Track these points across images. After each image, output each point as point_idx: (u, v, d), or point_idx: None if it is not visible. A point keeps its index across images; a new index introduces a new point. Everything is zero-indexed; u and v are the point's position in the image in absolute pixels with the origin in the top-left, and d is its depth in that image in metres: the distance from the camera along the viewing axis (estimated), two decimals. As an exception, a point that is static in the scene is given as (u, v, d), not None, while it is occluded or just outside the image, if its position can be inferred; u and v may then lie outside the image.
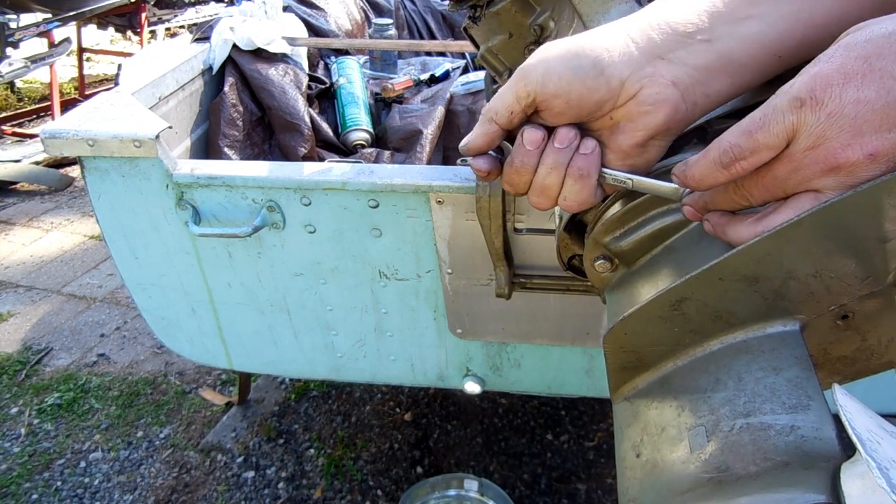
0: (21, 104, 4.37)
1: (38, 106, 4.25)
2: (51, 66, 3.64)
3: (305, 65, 1.99)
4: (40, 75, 4.37)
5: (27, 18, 3.54)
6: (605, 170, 0.47)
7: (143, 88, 1.42)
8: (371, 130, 1.89)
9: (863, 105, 0.33)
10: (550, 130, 0.47)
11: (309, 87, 1.94)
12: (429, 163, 1.79)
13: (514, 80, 0.47)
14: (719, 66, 0.43)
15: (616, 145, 0.46)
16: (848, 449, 0.31)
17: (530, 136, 0.47)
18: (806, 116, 0.34)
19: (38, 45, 3.84)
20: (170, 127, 1.19)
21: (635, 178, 0.46)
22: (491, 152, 0.51)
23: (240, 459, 1.86)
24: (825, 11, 0.41)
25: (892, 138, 0.33)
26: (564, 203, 0.49)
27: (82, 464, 1.85)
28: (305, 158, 1.75)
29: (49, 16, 3.55)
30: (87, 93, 4.20)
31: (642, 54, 0.43)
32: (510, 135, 0.49)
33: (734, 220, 0.41)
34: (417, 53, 2.35)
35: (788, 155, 0.36)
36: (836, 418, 0.33)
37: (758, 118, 0.37)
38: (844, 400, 0.30)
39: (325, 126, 1.87)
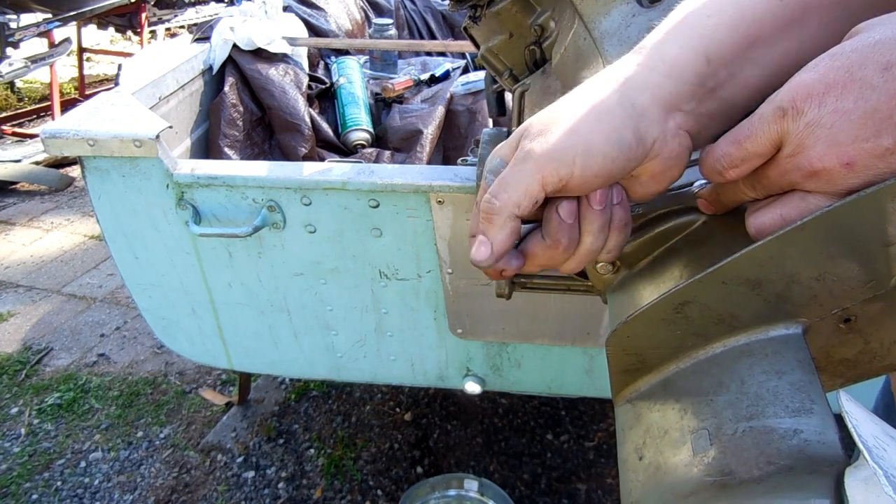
0: (21, 104, 4.37)
1: (38, 106, 4.25)
2: (51, 66, 3.64)
3: (305, 65, 1.98)
4: (40, 75, 4.37)
5: (27, 18, 3.54)
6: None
7: (143, 88, 1.42)
8: (371, 130, 1.89)
9: (840, 115, 0.33)
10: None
11: (309, 87, 1.94)
12: (429, 163, 1.79)
13: (535, 165, 0.40)
14: (722, 113, 0.42)
15: (632, 193, 0.44)
16: (851, 453, 0.30)
17: (568, 209, 0.42)
18: (788, 125, 0.35)
19: (38, 45, 3.84)
20: (170, 127, 1.19)
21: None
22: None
23: (240, 459, 1.86)
24: (815, 51, 0.40)
25: (868, 148, 0.33)
26: (609, 256, 0.45)
27: (82, 464, 1.85)
28: (306, 158, 1.75)
29: (49, 16, 3.55)
30: (87, 93, 4.20)
31: (663, 109, 0.41)
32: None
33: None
34: (417, 53, 2.35)
35: (777, 159, 0.37)
36: (839, 422, 0.33)
37: (746, 128, 0.38)
38: (850, 406, 0.29)
39: (325, 126, 1.87)
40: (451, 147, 1.89)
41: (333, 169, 1.16)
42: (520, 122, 0.91)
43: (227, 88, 1.74)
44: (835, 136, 0.33)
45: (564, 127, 0.40)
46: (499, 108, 1.12)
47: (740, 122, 0.41)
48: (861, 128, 0.33)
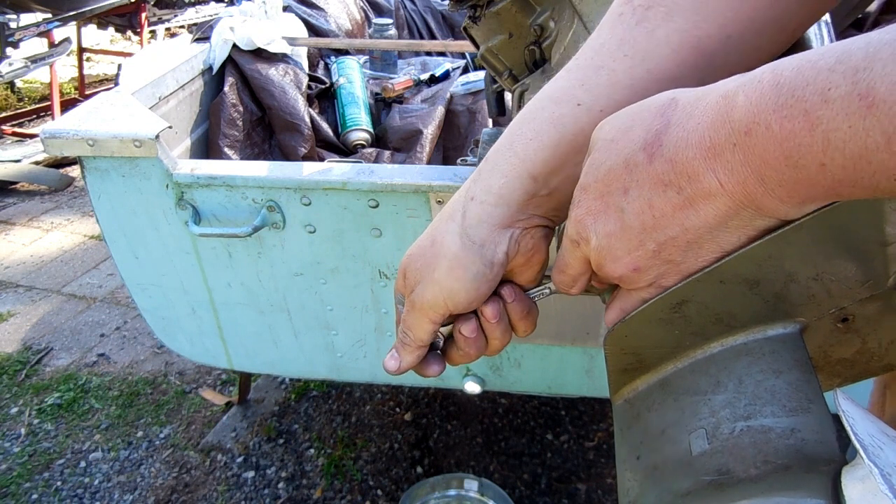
0: (21, 104, 4.37)
1: (38, 106, 4.24)
2: (51, 66, 3.64)
3: (305, 65, 1.99)
4: (40, 75, 4.37)
5: (27, 18, 3.54)
6: (531, 293, 0.52)
7: (143, 88, 1.42)
8: (371, 130, 1.89)
9: (611, 237, 0.39)
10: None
11: (309, 87, 1.94)
12: (429, 162, 1.79)
13: (420, 312, 0.49)
14: (569, 200, 0.47)
15: (524, 279, 0.51)
16: (848, 452, 0.31)
17: (469, 328, 0.50)
18: (584, 250, 0.42)
19: (38, 45, 3.84)
20: (170, 127, 1.19)
21: (552, 284, 0.51)
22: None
23: (240, 459, 1.86)
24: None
25: (641, 254, 0.39)
26: (525, 335, 0.54)
27: (82, 464, 1.85)
28: (305, 158, 1.75)
29: (49, 16, 3.55)
30: (87, 93, 4.20)
31: (502, 228, 0.47)
32: None
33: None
34: (417, 53, 2.35)
35: (597, 270, 0.43)
36: (837, 421, 0.33)
37: (562, 258, 0.45)
38: (847, 405, 0.30)
39: (325, 126, 1.87)
40: (450, 147, 1.89)
41: (333, 169, 1.16)
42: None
43: (226, 88, 1.74)
44: (615, 252, 0.40)
45: (428, 278, 0.48)
46: (498, 108, 1.12)
47: None
48: (628, 242, 0.39)
